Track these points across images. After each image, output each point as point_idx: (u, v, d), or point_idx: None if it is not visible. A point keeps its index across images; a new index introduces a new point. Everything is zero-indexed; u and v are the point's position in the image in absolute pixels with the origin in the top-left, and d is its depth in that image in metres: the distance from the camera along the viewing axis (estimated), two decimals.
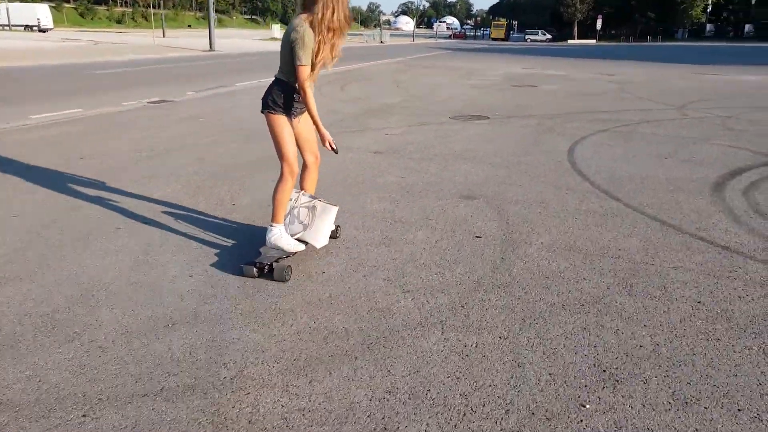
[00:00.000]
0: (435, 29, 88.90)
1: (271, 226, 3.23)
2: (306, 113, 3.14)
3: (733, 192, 4.86)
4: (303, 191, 3.40)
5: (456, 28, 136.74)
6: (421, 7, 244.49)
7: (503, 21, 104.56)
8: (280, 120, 3.12)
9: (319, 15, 2.88)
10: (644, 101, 11.22)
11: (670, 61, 28.23)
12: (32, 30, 55.76)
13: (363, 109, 9.76)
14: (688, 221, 4.06)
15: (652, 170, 5.59)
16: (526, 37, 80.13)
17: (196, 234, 3.72)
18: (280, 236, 3.21)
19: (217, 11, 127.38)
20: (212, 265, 3.24)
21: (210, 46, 28.56)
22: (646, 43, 65.57)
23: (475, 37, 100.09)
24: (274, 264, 3.07)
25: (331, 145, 3.14)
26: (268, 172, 5.10)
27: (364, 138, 7.19)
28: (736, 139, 7.27)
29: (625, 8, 75.76)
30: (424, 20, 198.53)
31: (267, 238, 3.22)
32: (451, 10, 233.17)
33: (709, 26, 74.90)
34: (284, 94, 3.08)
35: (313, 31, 2.90)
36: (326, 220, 3.33)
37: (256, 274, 3.07)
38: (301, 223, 3.33)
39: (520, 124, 8.44)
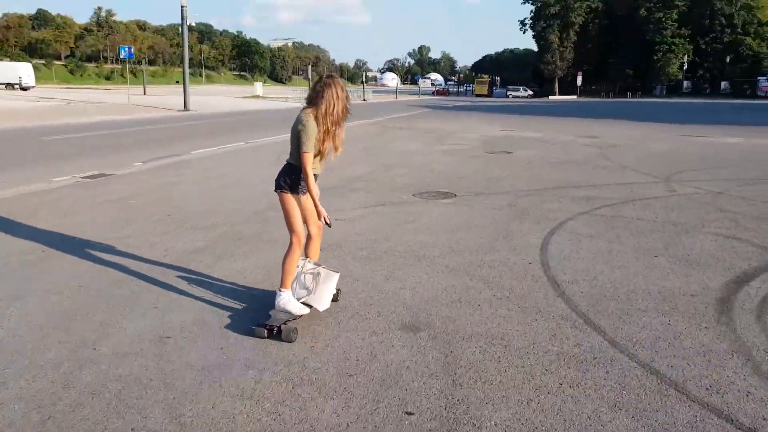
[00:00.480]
0: (419, 86, 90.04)
1: (280, 291, 3.60)
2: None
3: (744, 315, 3.88)
4: (308, 259, 3.77)
5: (440, 85, 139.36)
6: (407, 64, 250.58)
7: (486, 78, 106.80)
8: (291, 198, 3.60)
9: (323, 110, 3.41)
10: (627, 172, 10.44)
11: (651, 120, 28.04)
12: (14, 88, 55.38)
13: (321, 185, 8.82)
14: (694, 375, 3.04)
15: (642, 277, 4.62)
16: (508, 93, 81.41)
17: None
18: (288, 300, 3.58)
19: (206, 67, 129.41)
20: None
21: (185, 106, 27.96)
22: (625, 99, 66.62)
23: (458, 93, 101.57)
24: (282, 326, 3.40)
25: (325, 220, 3.60)
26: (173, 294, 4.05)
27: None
28: (734, 226, 6.37)
29: (604, 65, 77.54)
30: (409, 77, 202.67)
31: (276, 302, 3.59)
32: (435, 67, 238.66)
33: (686, 83, 76.63)
34: (294, 176, 3.57)
35: (317, 123, 3.42)
36: (329, 286, 3.69)
37: (266, 335, 3.39)
38: (305, 288, 3.66)
39: (489, 204, 7.53)
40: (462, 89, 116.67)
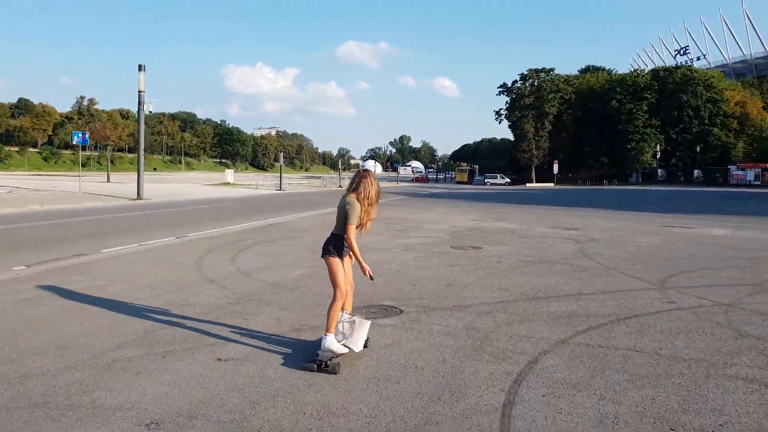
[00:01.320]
0: (398, 173, 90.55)
1: (326, 335, 4.63)
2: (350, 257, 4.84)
3: None
4: (344, 310, 4.80)
5: (421, 172, 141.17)
6: (388, 153, 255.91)
7: (466, 165, 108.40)
8: (336, 261, 4.70)
9: (362, 194, 4.66)
10: (614, 275, 8.82)
11: (629, 209, 27.05)
12: None
13: (232, 298, 7.03)
14: None
15: None
16: (486, 180, 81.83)
17: None
18: (332, 342, 4.61)
19: (187, 154, 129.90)
20: None
21: (138, 194, 26.39)
22: (602, 187, 66.88)
23: (437, 180, 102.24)
24: (329, 362, 4.43)
25: (369, 275, 4.71)
26: None
27: (167, 376, 4.36)
28: None
29: (579, 154, 78.73)
30: (390, 164, 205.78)
31: (322, 343, 4.61)
32: (416, 155, 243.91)
33: (660, 171, 77.79)
34: (339, 244, 4.70)
35: (360, 203, 4.64)
36: (363, 331, 4.82)
37: (315, 369, 4.41)
38: (343, 333, 4.72)
39: (442, 326, 5.77)
40: (441, 176, 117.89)
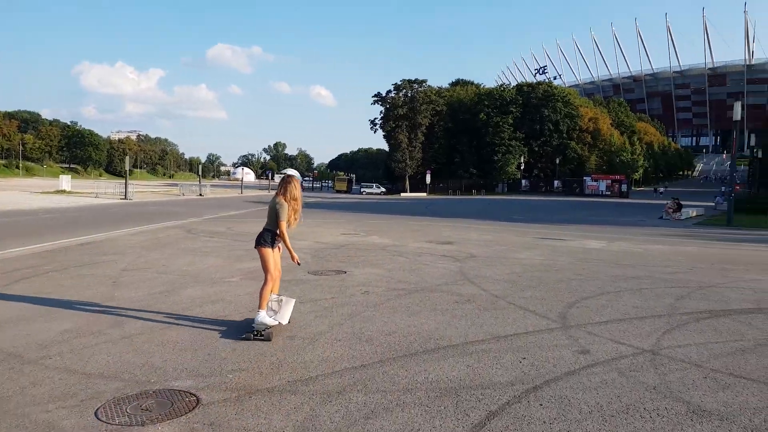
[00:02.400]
0: (269, 181, 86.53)
1: (259, 311, 5.54)
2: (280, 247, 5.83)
3: None
4: (272, 293, 5.76)
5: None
6: (262, 160, 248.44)
7: (342, 174, 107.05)
8: (268, 251, 5.63)
9: (288, 195, 5.63)
10: (504, 307, 7.06)
11: (500, 219, 26.58)
12: None
13: None
14: None
15: None
16: (362, 190, 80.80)
17: None
18: (264, 316, 5.52)
19: (28, 158, 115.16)
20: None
21: None
22: (471, 197, 68.44)
23: (313, 189, 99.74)
24: (263, 332, 5.43)
25: (297, 261, 5.80)
26: None
27: None
28: None
29: (451, 164, 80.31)
30: (264, 172, 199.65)
31: (256, 318, 5.51)
32: (291, 163, 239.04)
33: (524, 181, 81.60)
34: (270, 237, 5.66)
35: (287, 203, 5.61)
36: (288, 307, 5.81)
37: (252, 338, 5.39)
38: (273, 310, 5.66)
39: None
40: (318, 185, 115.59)
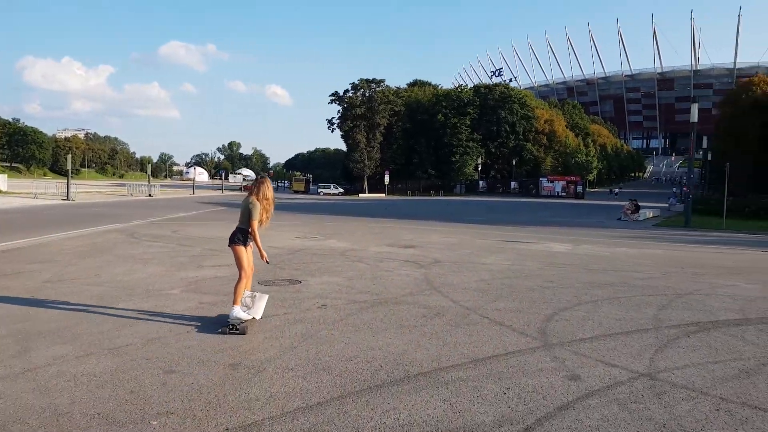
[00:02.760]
0: (222, 181, 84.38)
1: (234, 306, 5.75)
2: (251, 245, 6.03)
3: None
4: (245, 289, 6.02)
5: (251, 180, 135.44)
6: (216, 159, 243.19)
7: (299, 174, 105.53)
8: (241, 248, 5.90)
9: (261, 195, 5.94)
10: (477, 322, 6.36)
11: (461, 220, 26.13)
12: None
13: None
14: None
15: None
16: (319, 190, 79.55)
17: None
18: (239, 311, 5.73)
19: None
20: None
21: None
22: (430, 198, 68.25)
23: None
24: (238, 326, 5.62)
25: (266, 260, 6.05)
26: None
27: None
28: None
29: (409, 165, 80.00)
30: (218, 172, 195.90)
31: (231, 313, 5.72)
32: (246, 163, 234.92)
33: (481, 182, 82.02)
34: (242, 235, 5.92)
35: (260, 203, 5.90)
36: (262, 303, 6.15)
37: (228, 332, 5.57)
38: (247, 306, 5.94)
39: None
40: (274, 185, 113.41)
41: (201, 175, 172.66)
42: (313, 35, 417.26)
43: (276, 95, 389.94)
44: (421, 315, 6.63)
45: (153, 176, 63.70)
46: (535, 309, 7.06)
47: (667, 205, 43.85)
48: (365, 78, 78.01)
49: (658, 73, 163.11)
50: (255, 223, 5.87)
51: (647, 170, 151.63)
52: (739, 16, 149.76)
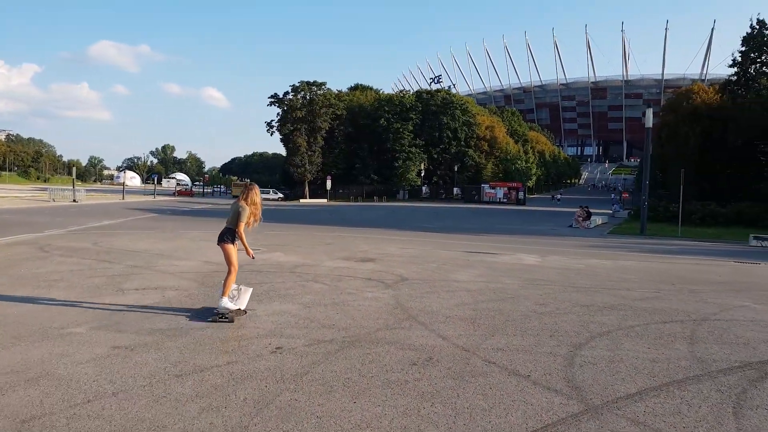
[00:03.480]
0: (155, 185, 79.94)
1: (222, 297, 6.49)
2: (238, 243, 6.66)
3: None
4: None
5: (186, 185, 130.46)
6: (149, 163, 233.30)
7: (236, 179, 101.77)
8: (230, 246, 6.55)
9: (249, 200, 6.57)
10: (477, 365, 4.88)
11: (413, 227, 24.82)
12: None
13: None
14: None
15: None
16: None
17: None
18: (227, 302, 6.45)
19: None
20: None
21: None
22: (373, 203, 66.96)
23: (203, 194, 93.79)
24: (227, 314, 6.38)
25: (252, 256, 6.86)
26: None
27: None
28: None
29: (352, 170, 78.45)
30: (151, 176, 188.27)
31: (220, 303, 6.45)
32: (181, 167, 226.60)
33: (425, 188, 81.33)
34: (231, 235, 6.54)
35: (248, 207, 6.53)
36: (246, 295, 6.79)
37: (218, 320, 6.30)
38: (233, 297, 6.59)
39: None
40: (209, 190, 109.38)
41: (133, 179, 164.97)
42: (252, 37, 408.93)
43: (213, 98, 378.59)
44: (408, 361, 5.08)
45: (82, 181, 59.49)
46: (545, 347, 5.66)
47: (610, 211, 44.30)
48: (306, 80, 75.86)
49: (592, 82, 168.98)
50: (242, 226, 6.50)
51: (582, 177, 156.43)
52: (666, 29, 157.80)
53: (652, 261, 14.59)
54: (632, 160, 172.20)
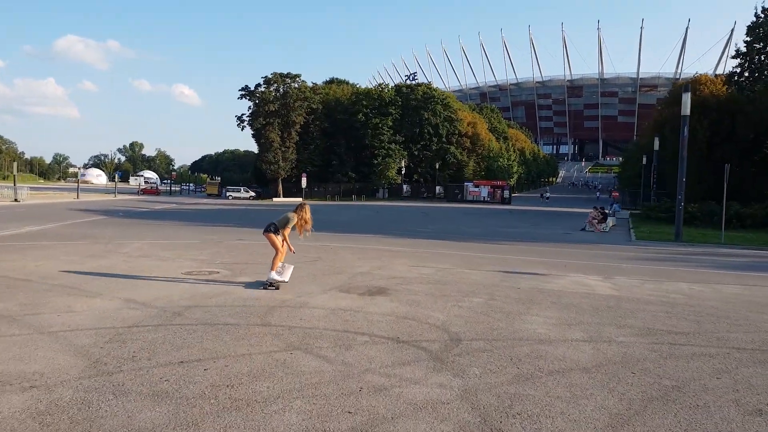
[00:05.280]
0: (115, 184, 74.39)
1: (271, 272, 8.45)
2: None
3: None
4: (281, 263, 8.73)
5: (155, 183, 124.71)
6: (117, 161, 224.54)
7: (204, 176, 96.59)
8: (273, 236, 8.53)
9: (299, 214, 8.71)
10: None
11: (409, 233, 20.86)
12: None
13: None
14: None
15: None
16: (228, 194, 71.86)
17: None
18: (274, 275, 8.40)
19: None
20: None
21: None
22: (353, 203, 62.91)
23: (171, 193, 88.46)
24: (273, 283, 8.38)
25: (292, 251, 8.84)
26: None
27: None
28: None
29: (328, 167, 74.19)
30: (116, 174, 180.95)
31: (269, 275, 8.46)
32: (150, 165, 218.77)
33: (405, 187, 77.36)
34: (275, 228, 8.58)
35: (297, 217, 8.67)
36: (289, 271, 8.61)
37: (266, 287, 8.33)
38: (279, 272, 8.48)
39: None
40: (177, 188, 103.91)
41: (99, 177, 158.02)
42: (224, 35, 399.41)
43: (184, 95, 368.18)
44: None
45: (45, 179, 54.00)
46: None
47: (609, 211, 41.12)
48: (279, 72, 71.21)
49: (568, 81, 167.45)
50: (288, 230, 8.66)
51: (559, 175, 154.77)
52: (641, 27, 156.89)
53: (754, 283, 10.90)
54: (608, 158, 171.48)
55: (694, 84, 41.51)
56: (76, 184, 57.97)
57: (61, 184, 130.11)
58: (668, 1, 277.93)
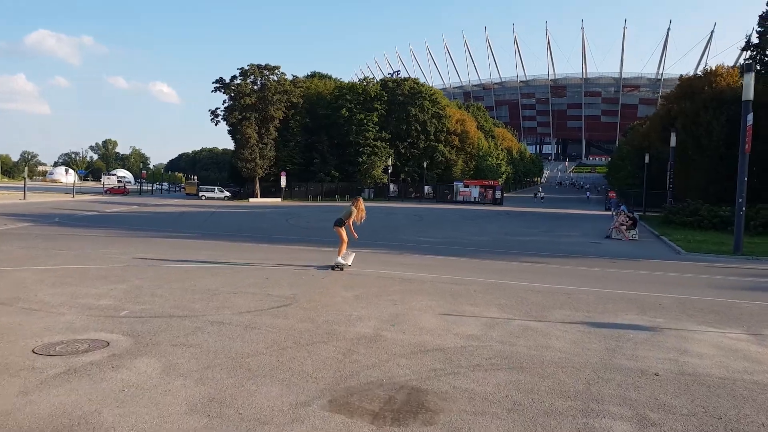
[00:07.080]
0: (74, 183, 68.82)
1: (338, 257, 11.07)
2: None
3: None
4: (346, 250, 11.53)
5: (129, 182, 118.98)
6: (89, 159, 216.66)
7: (180, 174, 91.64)
8: (340, 228, 11.31)
9: (357, 206, 11.51)
10: None
11: (409, 242, 16.70)
12: None
13: None
14: None
15: None
16: (201, 194, 66.96)
17: None
18: (340, 259, 11.03)
19: None
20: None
21: None
22: (336, 203, 58.49)
23: (141, 193, 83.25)
24: (339, 266, 10.98)
25: (355, 237, 11.82)
26: None
27: None
28: None
29: (310, 166, 69.67)
30: (80, 172, 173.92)
31: (335, 260, 11.04)
32: (124, 163, 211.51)
33: (392, 186, 73.16)
34: (340, 222, 11.39)
35: (355, 209, 11.47)
36: (352, 257, 11.44)
37: (333, 269, 10.89)
38: (344, 257, 11.11)
39: None
40: (148, 187, 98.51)
41: (69, 175, 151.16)
42: (204, 31, 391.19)
43: (162, 93, 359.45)
44: None
45: (10, 177, 48.73)
46: None
47: (613, 212, 37.55)
48: (257, 63, 66.41)
49: (552, 80, 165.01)
50: (351, 219, 11.32)
51: (544, 175, 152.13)
52: (624, 28, 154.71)
53: None
54: (591, 158, 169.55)
55: (709, 76, 38.07)
56: (37, 184, 52.92)
57: (30, 183, 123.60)
58: (650, 1, 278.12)
